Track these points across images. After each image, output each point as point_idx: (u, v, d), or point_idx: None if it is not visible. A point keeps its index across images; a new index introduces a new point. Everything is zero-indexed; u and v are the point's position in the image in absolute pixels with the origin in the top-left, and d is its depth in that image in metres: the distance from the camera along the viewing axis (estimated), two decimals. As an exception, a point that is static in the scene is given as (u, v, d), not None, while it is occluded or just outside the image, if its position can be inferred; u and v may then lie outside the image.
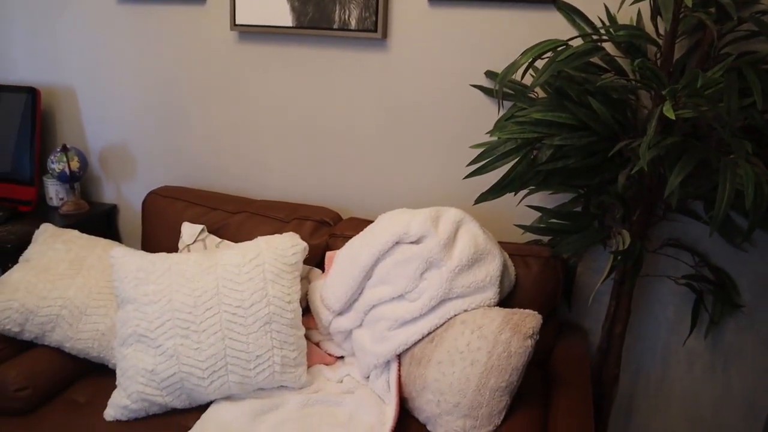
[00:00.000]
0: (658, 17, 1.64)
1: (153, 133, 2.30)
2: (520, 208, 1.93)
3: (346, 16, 1.91)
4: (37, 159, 2.29)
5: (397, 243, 1.74)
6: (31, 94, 2.27)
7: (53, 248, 1.93)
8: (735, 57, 1.49)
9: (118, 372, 1.71)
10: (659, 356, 1.95)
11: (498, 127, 1.59)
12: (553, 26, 1.78)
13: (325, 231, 1.99)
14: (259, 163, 2.20)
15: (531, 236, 1.92)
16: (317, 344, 1.90)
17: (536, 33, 1.80)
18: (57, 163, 2.21)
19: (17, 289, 1.81)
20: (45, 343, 1.82)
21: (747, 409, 1.91)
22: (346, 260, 1.82)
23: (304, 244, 1.83)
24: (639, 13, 1.70)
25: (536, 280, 1.78)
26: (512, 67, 1.54)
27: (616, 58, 1.67)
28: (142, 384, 1.66)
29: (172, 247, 2.09)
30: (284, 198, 2.21)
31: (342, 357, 1.90)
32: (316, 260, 1.96)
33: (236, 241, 2.02)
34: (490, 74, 1.87)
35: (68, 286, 1.83)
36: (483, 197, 1.65)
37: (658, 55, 1.58)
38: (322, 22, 1.94)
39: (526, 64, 1.52)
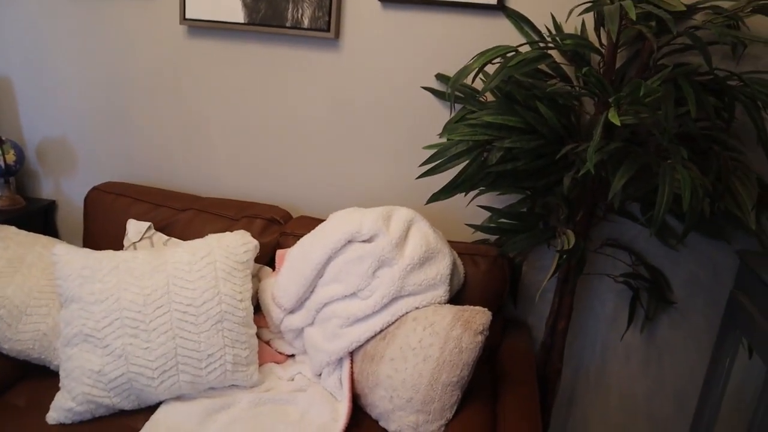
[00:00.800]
0: (602, 28, 1.72)
1: (96, 128, 2.24)
2: (470, 209, 1.99)
3: (299, 15, 1.91)
4: (-31, 152, 2.19)
5: (350, 242, 1.76)
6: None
7: (-10, 245, 1.86)
8: (671, 68, 1.58)
9: (61, 373, 1.66)
10: (599, 351, 2.04)
11: (449, 129, 1.63)
12: (502, 33, 1.84)
13: (275, 229, 1.99)
14: (207, 160, 2.18)
15: (479, 236, 1.97)
16: (267, 343, 1.90)
17: (486, 38, 1.85)
18: (-8, 157, 2.12)
19: (-49, 287, 1.73)
20: (-19, 345, 1.76)
21: (678, 399, 2.03)
22: (298, 258, 1.82)
23: (256, 242, 1.82)
24: (583, 24, 1.77)
25: (484, 278, 1.83)
26: (464, 72, 1.59)
27: (561, 65, 1.74)
28: (88, 385, 1.62)
29: (116, 244, 2.04)
30: (233, 196, 2.19)
31: (293, 355, 1.91)
32: (266, 259, 1.96)
33: (184, 239, 1.99)
34: (441, 77, 1.91)
35: (6, 284, 1.76)
36: (435, 197, 1.69)
37: (602, 64, 1.66)
38: (274, 20, 1.93)
39: (477, 68, 1.56)
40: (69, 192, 2.33)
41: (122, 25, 2.11)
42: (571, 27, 1.79)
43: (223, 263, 1.74)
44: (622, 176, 1.40)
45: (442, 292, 1.73)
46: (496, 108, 1.62)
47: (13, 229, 1.95)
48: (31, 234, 1.95)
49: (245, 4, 1.94)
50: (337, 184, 2.08)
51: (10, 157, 2.14)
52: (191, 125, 2.15)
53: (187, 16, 2.00)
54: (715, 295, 1.92)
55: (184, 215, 2.03)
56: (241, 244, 1.79)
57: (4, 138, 2.15)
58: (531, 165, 1.61)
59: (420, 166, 1.69)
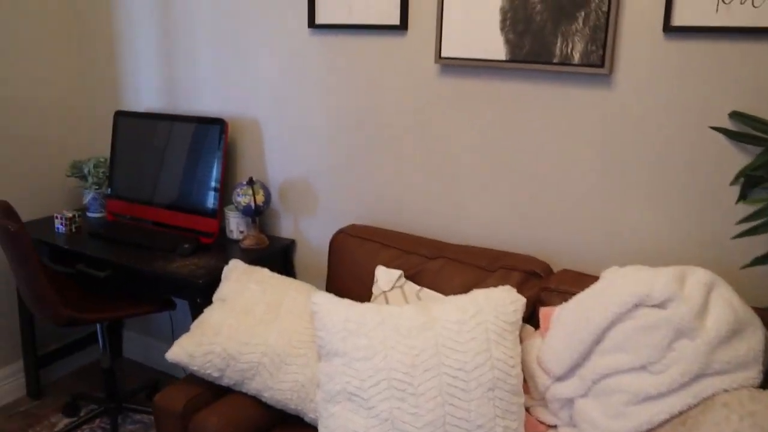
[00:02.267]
0: None
1: (338, 169, 2.21)
2: (750, 273, 1.69)
3: (569, 50, 1.74)
4: (222, 191, 2.25)
5: (637, 305, 1.55)
6: (220, 125, 2.23)
7: (248, 288, 1.87)
8: None
9: (322, 430, 1.60)
10: None
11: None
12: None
13: (534, 283, 1.82)
14: (455, 204, 2.06)
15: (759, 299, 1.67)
16: (527, 410, 1.73)
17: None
18: (243, 196, 2.16)
19: (219, 332, 1.74)
20: (243, 390, 1.75)
21: None
22: (573, 320, 1.64)
23: (523, 300, 1.67)
24: None
25: (797, 355, 1.53)
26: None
27: None
28: (359, 448, 1.54)
29: (362, 290, 1.98)
30: (482, 244, 2.05)
31: (554, 426, 1.72)
32: (525, 315, 1.79)
33: (435, 290, 1.89)
34: (737, 116, 1.64)
35: (269, 332, 1.75)
36: (758, 261, 1.43)
37: None
38: (540, 56, 1.78)
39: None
40: (307, 232, 2.33)
41: (370, 64, 2.07)
42: None
43: (494, 324, 1.60)
44: None
45: (754, 373, 1.46)
46: None
47: (266, 271, 1.95)
48: (283, 277, 1.94)
49: (508, 41, 1.81)
50: (600, 235, 1.87)
51: (260, 198, 2.17)
52: (439, 167, 2.05)
53: (443, 55, 1.91)
54: None
55: (434, 263, 1.92)
56: (510, 302, 1.64)
57: (254, 179, 2.18)
58: None
59: (738, 223, 1.44)
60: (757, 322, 1.50)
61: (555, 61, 1.76)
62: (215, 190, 2.25)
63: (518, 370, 1.59)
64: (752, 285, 1.71)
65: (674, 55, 1.67)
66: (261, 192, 2.18)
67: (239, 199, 2.17)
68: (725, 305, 1.50)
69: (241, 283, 1.88)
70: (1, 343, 2.59)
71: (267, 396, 1.73)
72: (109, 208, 2.52)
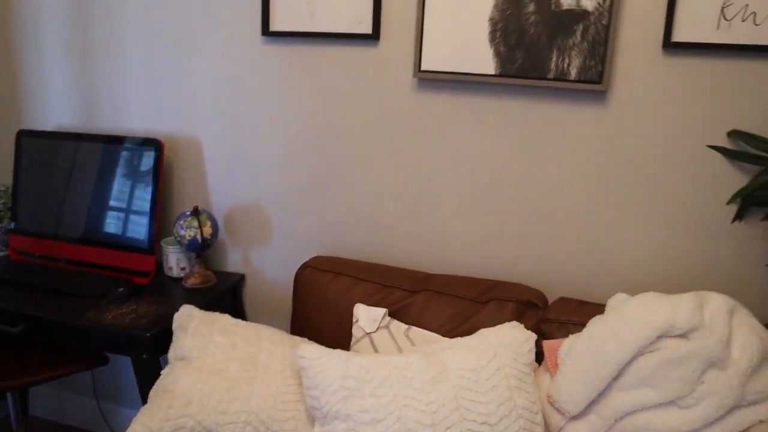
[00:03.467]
0: None
1: (296, 194, 1.96)
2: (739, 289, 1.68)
3: (565, 65, 1.63)
4: (158, 223, 1.93)
5: (659, 337, 1.46)
6: (154, 146, 1.91)
7: (213, 342, 1.59)
8: None
9: (331, 507, 1.38)
10: None
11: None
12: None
13: (532, 315, 1.69)
14: (435, 231, 1.88)
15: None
16: (538, 452, 1.60)
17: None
18: (187, 229, 1.86)
19: (190, 402, 1.45)
20: (221, 469, 1.48)
21: None
22: (587, 354, 1.52)
23: (534, 336, 1.54)
24: None
25: (808, 376, 1.52)
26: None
27: None
28: None
29: (338, 332, 1.77)
30: (468, 273, 1.89)
31: (566, 467, 1.61)
32: (528, 350, 1.66)
33: (422, 327, 1.71)
34: (736, 134, 1.61)
35: (248, 395, 1.49)
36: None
37: None
38: (533, 71, 1.65)
39: None
40: (260, 265, 2.05)
41: (335, 77, 1.84)
42: None
43: (512, 367, 1.45)
44: None
45: (784, 400, 1.42)
46: None
47: (229, 319, 1.68)
48: (249, 324, 1.68)
49: (498, 53, 1.67)
50: (596, 259, 1.77)
51: (207, 230, 1.88)
52: (417, 191, 1.86)
53: (423, 68, 1.73)
54: None
55: (418, 297, 1.74)
56: (523, 340, 1.51)
57: (200, 209, 1.88)
58: None
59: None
60: (780, 346, 1.47)
61: (550, 76, 1.65)
62: (150, 221, 1.92)
63: (541, 416, 1.45)
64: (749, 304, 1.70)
65: (673, 72, 1.61)
66: (208, 223, 1.89)
67: (183, 232, 1.86)
68: (750, 332, 1.44)
69: (203, 336, 1.59)
70: None
71: (252, 471, 1.47)
72: (12, 246, 2.09)
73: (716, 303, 1.49)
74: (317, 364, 1.45)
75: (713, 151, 1.64)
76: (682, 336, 1.46)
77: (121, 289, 1.84)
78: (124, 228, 1.95)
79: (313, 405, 1.44)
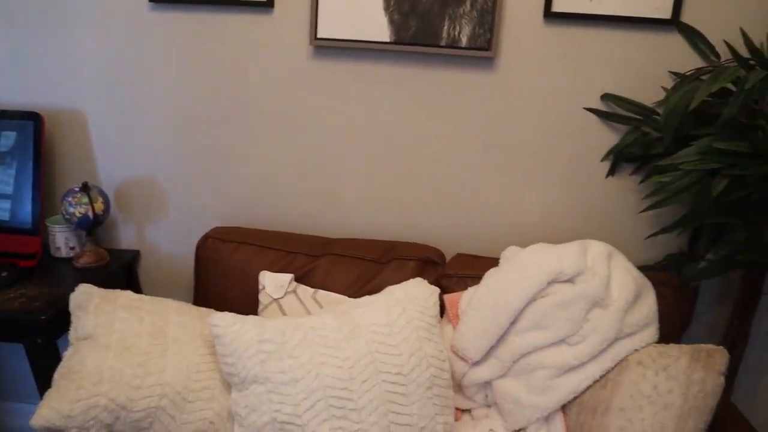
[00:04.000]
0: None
1: (192, 166, 1.92)
2: (607, 235, 1.88)
3: (456, 32, 1.71)
4: (42, 201, 1.81)
5: (550, 283, 1.61)
6: (33, 121, 1.79)
7: (118, 318, 1.54)
8: None
9: (250, 469, 1.40)
10: (751, 367, 2.00)
11: (677, 157, 1.50)
12: (669, 49, 1.72)
13: (432, 271, 1.79)
14: (335, 197, 1.92)
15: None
16: (444, 399, 1.71)
17: (652, 56, 1.73)
18: (77, 206, 1.77)
19: (100, 380, 1.41)
20: (137, 444, 1.45)
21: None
22: (487, 305, 1.64)
23: (438, 290, 1.63)
24: None
25: (669, 310, 1.72)
26: (690, 95, 1.47)
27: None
28: (293, 481, 1.37)
29: (244, 301, 1.77)
30: (369, 236, 1.95)
31: (469, 410, 1.73)
32: (431, 305, 1.76)
33: (329, 290, 1.75)
34: (609, 97, 1.77)
35: (162, 368, 1.46)
36: (663, 231, 1.56)
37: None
38: (426, 38, 1.72)
39: (711, 91, 1.44)
40: (155, 240, 1.99)
41: (228, 45, 1.81)
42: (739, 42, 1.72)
43: (420, 320, 1.53)
44: None
45: (654, 330, 1.61)
46: (724, 133, 1.50)
47: (131, 294, 1.63)
48: (153, 298, 1.64)
49: (392, 21, 1.72)
50: (489, 217, 1.89)
51: (99, 206, 1.79)
52: (316, 158, 1.89)
53: (319, 35, 1.75)
54: None
55: (322, 261, 1.78)
56: (428, 294, 1.59)
57: (90, 185, 1.80)
58: (764, 193, 1.52)
59: (644, 198, 1.56)
60: (649, 284, 1.65)
61: (442, 43, 1.72)
62: (33, 200, 1.81)
63: (448, 363, 1.55)
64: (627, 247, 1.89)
65: (554, 39, 1.74)
66: (100, 199, 1.80)
67: (72, 209, 1.77)
68: (625, 273, 1.62)
69: (107, 314, 1.54)
70: None
71: (169, 443, 1.46)
72: None
73: (597, 249, 1.66)
74: (231, 331, 1.46)
75: (589, 113, 1.80)
76: (569, 281, 1.61)
77: (4, 274, 1.72)
78: (4, 208, 1.82)
79: (229, 372, 1.45)
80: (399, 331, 1.50)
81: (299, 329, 1.47)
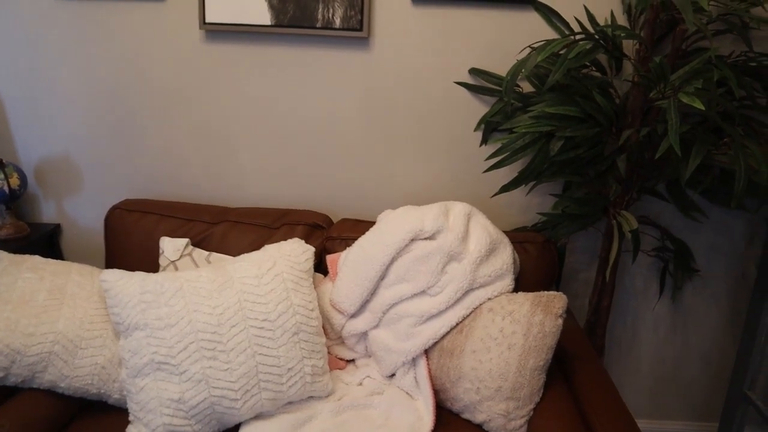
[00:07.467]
0: (627, 16, 1.81)
1: (103, 143, 2.09)
2: (493, 200, 2.04)
3: (330, 15, 1.88)
4: (-38, 179, 1.99)
5: (412, 240, 1.77)
6: (-48, 104, 1.96)
7: (22, 278, 1.71)
8: (707, 53, 1.69)
9: (132, 406, 1.57)
10: (629, 323, 2.16)
11: (514, 121, 1.67)
12: (532, 26, 1.89)
13: (318, 234, 1.95)
14: (230, 169, 2.09)
15: (514, 224, 2.03)
16: (327, 349, 1.87)
17: (514, 32, 1.89)
18: (-7, 182, 1.94)
19: (-4, 328, 1.58)
20: (34, 386, 1.62)
21: (704, 360, 2.18)
22: (359, 262, 1.81)
23: (312, 249, 1.79)
24: (612, 14, 1.86)
25: (536, 263, 1.89)
26: (523, 65, 1.63)
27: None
28: (167, 415, 1.54)
29: (147, 266, 1.94)
30: (261, 204, 2.12)
31: (353, 360, 1.89)
32: (314, 264, 1.92)
33: (225, 253, 1.92)
34: (475, 72, 1.94)
35: (55, 318, 1.64)
36: (504, 189, 1.73)
37: (640, 52, 1.75)
38: (304, 21, 1.89)
39: (538, 60, 1.61)
40: (74, 213, 2.17)
41: (127, 32, 1.98)
42: (599, 17, 1.87)
43: (290, 273, 1.70)
44: (695, 156, 1.49)
45: (509, 281, 1.77)
46: (555, 99, 1.67)
47: (38, 258, 1.80)
48: (59, 261, 1.81)
49: (272, 6, 1.88)
50: (372, 185, 2.07)
51: (14, 181, 1.97)
52: (213, 134, 2.06)
53: (207, 20, 1.91)
54: (732, 260, 2.08)
55: (219, 228, 1.95)
56: (301, 252, 1.76)
57: (6, 161, 1.97)
58: (591, 152, 1.68)
59: (487, 159, 1.72)
60: (506, 240, 1.81)
61: (318, 25, 1.89)
62: (-46, 177, 1.98)
63: (317, 312, 1.71)
64: (499, 212, 2.06)
65: (423, 19, 1.90)
66: (15, 174, 1.98)
67: (-11, 184, 1.95)
68: (482, 230, 1.79)
69: (11, 274, 1.71)
70: None
71: (64, 386, 1.62)
72: None
73: (458, 209, 1.82)
74: (118, 285, 1.63)
75: (460, 87, 1.96)
76: (431, 238, 1.78)
77: (-72, 243, 1.90)
78: (-71, 185, 2.00)
79: (116, 321, 1.62)
80: (267, 283, 1.66)
81: (176, 281, 1.64)
